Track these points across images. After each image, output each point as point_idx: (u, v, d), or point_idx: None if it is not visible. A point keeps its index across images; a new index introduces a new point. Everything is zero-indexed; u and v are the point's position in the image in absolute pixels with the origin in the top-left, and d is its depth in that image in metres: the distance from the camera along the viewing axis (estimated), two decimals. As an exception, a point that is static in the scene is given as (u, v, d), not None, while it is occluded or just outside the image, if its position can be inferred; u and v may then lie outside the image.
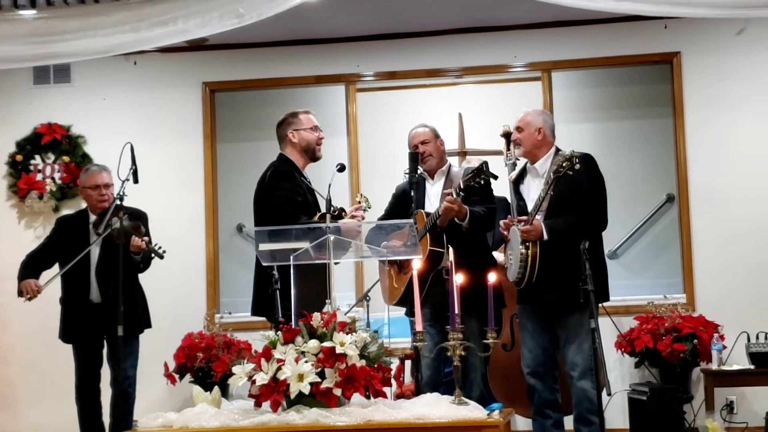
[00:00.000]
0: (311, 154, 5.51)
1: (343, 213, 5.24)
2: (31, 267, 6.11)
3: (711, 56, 7.34)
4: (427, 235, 5.33)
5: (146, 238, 5.87)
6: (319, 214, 5.19)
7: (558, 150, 5.41)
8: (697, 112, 7.33)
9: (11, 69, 7.14)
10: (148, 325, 6.22)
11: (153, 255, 5.92)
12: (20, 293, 5.99)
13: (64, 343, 6.17)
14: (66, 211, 7.57)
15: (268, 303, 4.88)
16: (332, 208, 5.05)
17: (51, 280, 5.95)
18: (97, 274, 5.99)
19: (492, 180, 5.31)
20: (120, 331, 5.32)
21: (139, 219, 5.96)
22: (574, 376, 5.19)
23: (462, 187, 5.17)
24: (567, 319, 5.21)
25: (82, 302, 6.00)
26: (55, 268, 6.14)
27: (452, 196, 5.20)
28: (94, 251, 5.99)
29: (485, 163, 5.21)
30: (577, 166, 4.94)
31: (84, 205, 6.36)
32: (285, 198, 5.25)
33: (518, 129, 5.45)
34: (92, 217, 6.11)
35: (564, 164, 4.95)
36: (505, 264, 5.40)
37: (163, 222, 6.56)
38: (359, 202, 5.45)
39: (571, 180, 5.01)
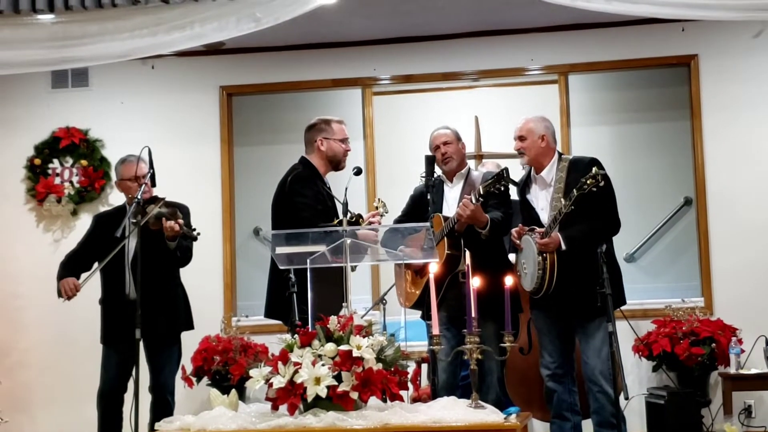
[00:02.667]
0: (336, 164, 5.49)
1: (361, 219, 5.24)
2: (70, 266, 5.84)
3: (728, 59, 7.31)
4: (445, 239, 5.33)
5: (180, 221, 5.59)
6: (337, 221, 5.19)
7: (561, 155, 5.41)
8: (714, 114, 7.30)
9: (30, 73, 7.15)
10: (190, 326, 5.98)
11: (187, 239, 5.65)
12: (60, 293, 5.76)
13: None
14: (84, 215, 7.60)
15: (283, 306, 4.88)
16: (350, 215, 5.06)
17: (89, 277, 5.69)
18: (133, 268, 5.65)
19: (511, 186, 5.31)
20: (138, 334, 5.24)
21: (180, 210, 5.74)
22: (593, 381, 5.17)
23: (482, 192, 5.16)
24: (585, 324, 5.20)
25: (119, 299, 5.74)
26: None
27: (471, 201, 5.19)
28: (131, 244, 5.67)
29: (506, 169, 5.18)
30: (602, 184, 4.94)
31: (122, 200, 6.09)
32: (306, 205, 5.24)
33: (520, 138, 5.40)
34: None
35: (588, 182, 4.94)
36: (518, 273, 5.39)
37: (180, 225, 6.58)
38: (377, 208, 5.44)
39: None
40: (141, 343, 5.55)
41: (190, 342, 6.92)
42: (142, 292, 5.41)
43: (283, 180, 5.44)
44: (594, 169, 4.99)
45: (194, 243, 5.75)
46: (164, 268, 5.77)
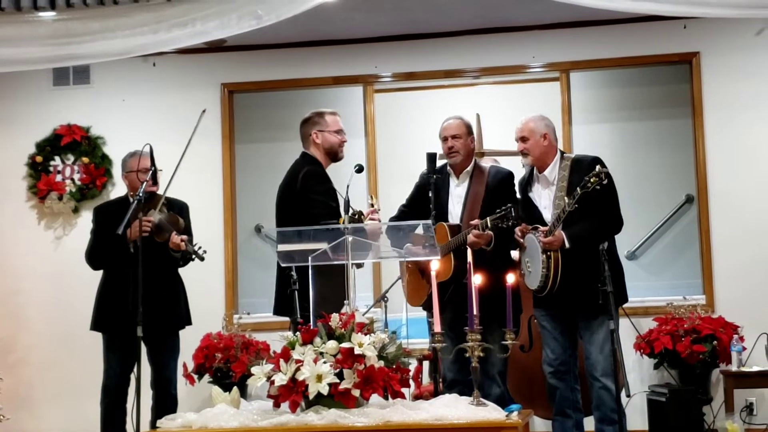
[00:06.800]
0: (333, 156, 5.49)
1: (362, 216, 5.23)
2: (99, 255, 5.84)
3: (730, 56, 7.30)
4: (451, 253, 5.34)
5: (185, 237, 5.67)
6: (343, 218, 5.19)
7: (563, 154, 5.40)
8: (716, 112, 7.29)
9: (31, 70, 7.17)
10: (189, 322, 6.04)
11: (193, 256, 5.73)
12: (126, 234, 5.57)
13: (90, 339, 5.89)
14: (85, 212, 7.57)
15: (290, 303, 4.89)
16: (351, 211, 5.06)
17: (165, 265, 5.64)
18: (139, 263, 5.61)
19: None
20: (139, 331, 5.26)
21: (181, 211, 5.82)
22: (595, 378, 5.18)
23: (488, 225, 5.17)
24: (588, 321, 5.21)
25: (124, 296, 5.69)
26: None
27: (479, 230, 5.20)
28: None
29: (512, 207, 5.18)
30: (605, 182, 4.95)
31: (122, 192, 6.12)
32: (321, 202, 5.21)
33: (522, 139, 5.39)
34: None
35: (592, 180, 4.95)
36: (522, 271, 5.38)
37: (181, 223, 6.59)
38: (372, 205, 5.45)
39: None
40: (142, 339, 5.59)
41: (191, 339, 6.93)
42: (148, 288, 5.45)
43: (292, 176, 5.39)
44: (597, 168, 4.99)
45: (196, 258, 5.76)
46: (167, 264, 5.80)
